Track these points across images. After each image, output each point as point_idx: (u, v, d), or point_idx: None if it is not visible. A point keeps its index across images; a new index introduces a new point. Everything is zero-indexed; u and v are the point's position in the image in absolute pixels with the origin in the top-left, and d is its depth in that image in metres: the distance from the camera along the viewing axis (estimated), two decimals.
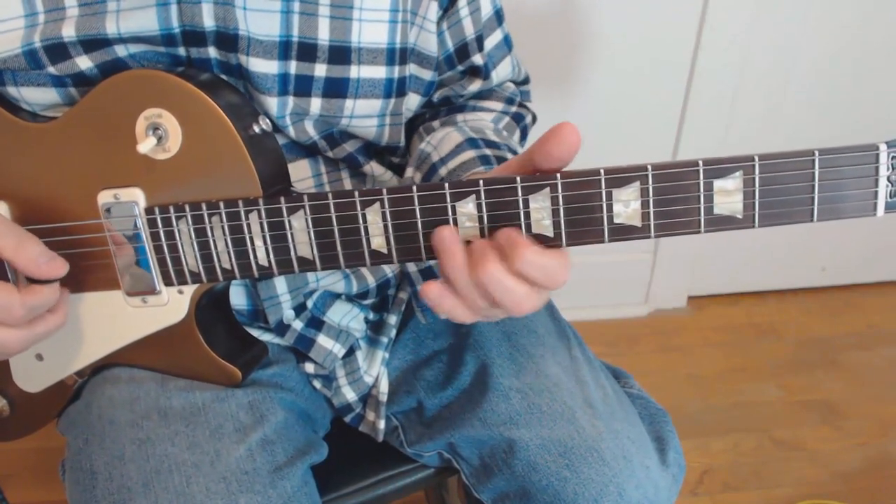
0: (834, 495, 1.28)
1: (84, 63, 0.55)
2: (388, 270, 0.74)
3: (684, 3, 1.38)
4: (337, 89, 0.61)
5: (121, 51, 0.56)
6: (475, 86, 0.72)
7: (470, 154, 0.62)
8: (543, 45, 1.38)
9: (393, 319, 0.75)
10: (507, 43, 0.73)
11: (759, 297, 1.79)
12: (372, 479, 0.75)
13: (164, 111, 0.54)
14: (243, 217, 0.54)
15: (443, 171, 0.63)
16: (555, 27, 1.37)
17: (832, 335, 1.67)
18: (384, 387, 0.73)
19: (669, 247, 1.67)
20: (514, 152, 0.65)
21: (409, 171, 0.69)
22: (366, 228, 0.52)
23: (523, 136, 0.78)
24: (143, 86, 0.54)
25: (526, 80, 0.80)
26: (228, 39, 0.56)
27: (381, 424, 0.73)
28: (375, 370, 0.73)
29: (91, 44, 0.55)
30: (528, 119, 0.78)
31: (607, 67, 1.43)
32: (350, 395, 0.73)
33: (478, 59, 0.70)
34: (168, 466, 0.58)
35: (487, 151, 0.62)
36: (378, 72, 0.62)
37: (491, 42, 0.71)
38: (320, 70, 0.60)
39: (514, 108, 0.75)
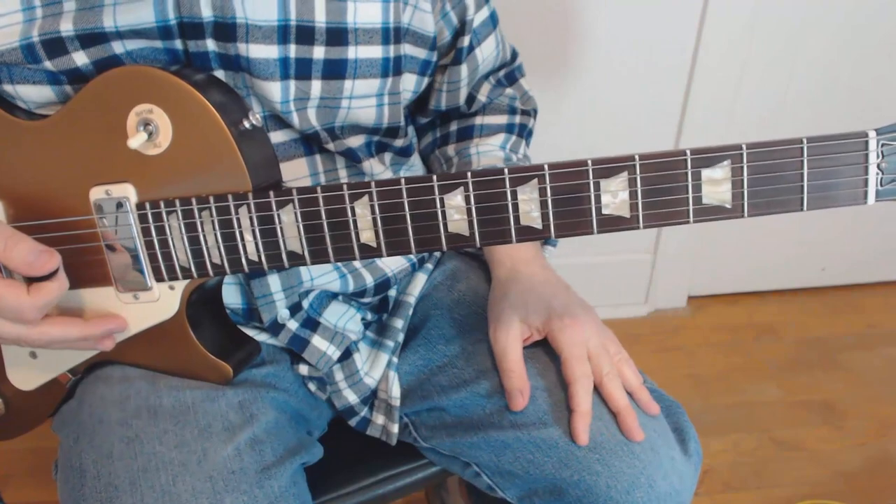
0: (834, 495, 1.27)
1: (80, 59, 0.55)
2: (388, 270, 0.73)
3: (684, 1, 1.38)
4: (336, 71, 0.62)
5: (118, 48, 0.56)
6: (465, 71, 0.73)
7: None
8: (544, 44, 1.38)
9: (399, 323, 0.74)
10: (492, 19, 0.74)
11: (759, 297, 1.78)
12: (372, 479, 0.74)
13: (155, 107, 0.54)
14: (233, 211, 0.54)
15: None
16: (555, 26, 1.37)
17: (832, 335, 1.67)
18: (396, 391, 0.72)
19: (669, 247, 1.66)
20: None
21: None
22: (355, 222, 0.52)
23: (529, 138, 0.80)
24: (133, 81, 0.54)
25: (514, 56, 0.82)
26: (227, 28, 0.57)
27: (395, 429, 0.72)
28: (378, 372, 0.72)
29: (88, 39, 0.55)
30: (531, 123, 0.79)
31: (607, 66, 1.42)
32: (351, 397, 0.72)
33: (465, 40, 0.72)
34: (155, 465, 0.57)
35: None
36: (374, 52, 0.63)
37: (478, 19, 0.72)
38: (319, 52, 0.60)
39: (518, 118, 0.76)
